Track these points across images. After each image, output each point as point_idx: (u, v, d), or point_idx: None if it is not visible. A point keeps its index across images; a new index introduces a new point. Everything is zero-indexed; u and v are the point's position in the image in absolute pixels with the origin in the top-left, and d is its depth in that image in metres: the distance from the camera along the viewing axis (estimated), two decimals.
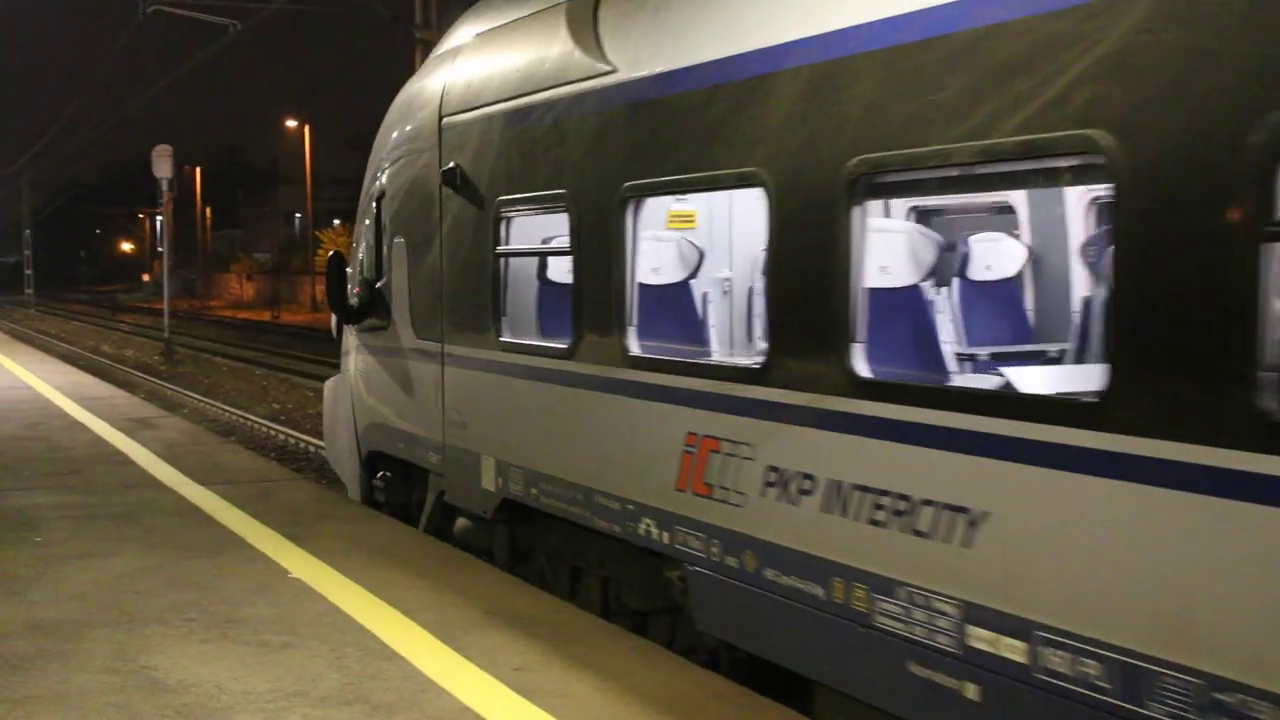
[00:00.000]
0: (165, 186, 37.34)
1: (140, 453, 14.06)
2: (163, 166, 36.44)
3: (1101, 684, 4.43)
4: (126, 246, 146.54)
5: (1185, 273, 4.15)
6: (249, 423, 22.73)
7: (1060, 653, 4.58)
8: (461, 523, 9.52)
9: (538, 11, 8.48)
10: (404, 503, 10.87)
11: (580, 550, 8.17)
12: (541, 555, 8.78)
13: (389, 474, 11.00)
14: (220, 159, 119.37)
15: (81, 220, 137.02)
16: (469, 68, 9.35)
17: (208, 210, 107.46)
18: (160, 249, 65.89)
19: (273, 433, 21.39)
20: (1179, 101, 4.17)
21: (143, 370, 34.29)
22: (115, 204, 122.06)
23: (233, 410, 24.30)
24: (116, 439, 15.25)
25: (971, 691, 4.97)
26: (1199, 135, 4.11)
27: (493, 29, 9.30)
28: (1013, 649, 4.78)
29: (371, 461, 11.32)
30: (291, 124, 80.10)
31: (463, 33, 9.99)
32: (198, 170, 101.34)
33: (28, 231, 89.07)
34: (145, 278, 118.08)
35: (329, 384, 12.82)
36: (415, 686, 6.30)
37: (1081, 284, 7.49)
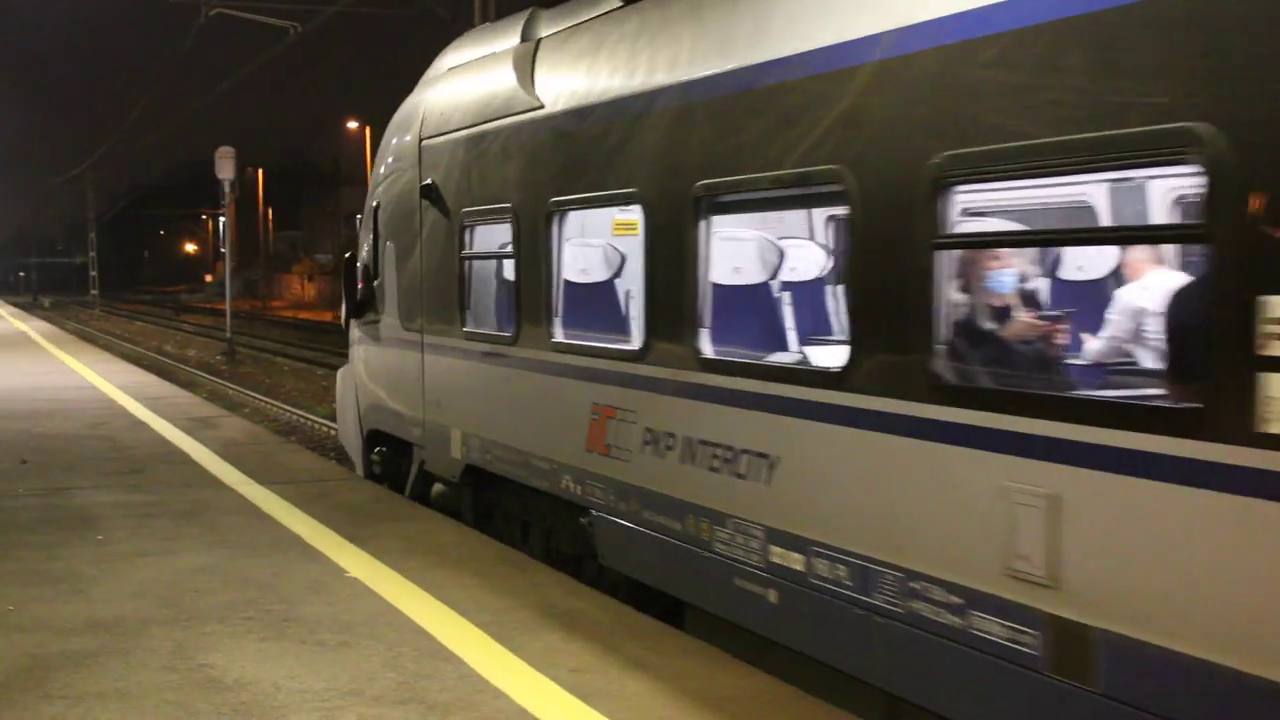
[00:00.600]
0: (227, 188, 37.59)
1: (201, 452, 14.21)
2: (225, 168, 36.70)
3: (848, 582, 5.90)
4: (190, 247, 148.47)
5: (888, 274, 5.61)
6: (309, 422, 22.89)
7: (823, 561, 6.06)
8: (438, 488, 11.22)
9: (494, 53, 10.11)
10: (395, 474, 12.21)
11: (525, 506, 9.59)
12: (498, 513, 10.21)
13: (384, 449, 12.47)
14: (282, 160, 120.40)
15: (145, 221, 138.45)
16: (443, 96, 11.00)
17: (269, 211, 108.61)
18: (223, 250, 66.67)
19: (332, 432, 21.41)
20: (885, 145, 5.61)
21: (205, 370, 34.67)
22: (179, 205, 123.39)
23: (293, 410, 24.48)
24: (178, 438, 15.42)
25: (773, 597, 6.46)
26: (897, 171, 5.52)
27: (462, 64, 10.97)
28: (796, 561, 6.27)
29: (372, 439, 12.76)
30: (352, 125, 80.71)
31: (441, 64, 11.61)
32: (260, 171, 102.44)
33: (93, 234, 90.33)
34: (208, 278, 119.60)
35: (340, 372, 14.34)
36: (471, 687, 6.31)
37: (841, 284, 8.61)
